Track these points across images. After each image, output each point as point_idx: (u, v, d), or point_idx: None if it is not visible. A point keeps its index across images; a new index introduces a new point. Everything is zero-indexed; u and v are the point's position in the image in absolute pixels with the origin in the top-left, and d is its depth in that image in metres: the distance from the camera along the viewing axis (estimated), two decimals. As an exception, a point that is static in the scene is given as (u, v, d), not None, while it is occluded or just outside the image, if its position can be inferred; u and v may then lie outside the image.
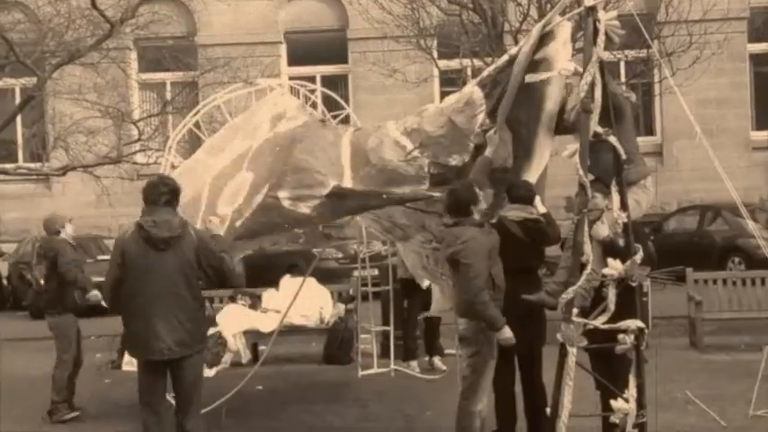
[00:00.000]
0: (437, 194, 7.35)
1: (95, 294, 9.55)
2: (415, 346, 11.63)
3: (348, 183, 7.65)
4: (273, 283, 12.52)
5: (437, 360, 11.48)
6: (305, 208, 7.81)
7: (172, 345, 6.46)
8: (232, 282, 7.01)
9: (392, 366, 11.32)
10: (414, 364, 11.41)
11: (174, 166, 9.67)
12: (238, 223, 7.98)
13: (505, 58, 7.11)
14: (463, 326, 6.88)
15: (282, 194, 7.84)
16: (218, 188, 8.28)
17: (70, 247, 9.81)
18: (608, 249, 6.49)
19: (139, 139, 18.02)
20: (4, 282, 20.66)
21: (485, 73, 7.22)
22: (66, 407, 9.61)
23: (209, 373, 10.41)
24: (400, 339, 11.75)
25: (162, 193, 6.68)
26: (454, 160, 7.26)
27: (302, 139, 8.24)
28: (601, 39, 6.34)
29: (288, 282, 12.23)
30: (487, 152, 7.04)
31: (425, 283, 10.44)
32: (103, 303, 7.72)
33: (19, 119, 18.97)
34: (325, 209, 7.86)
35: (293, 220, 8.03)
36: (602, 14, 6.35)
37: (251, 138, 8.69)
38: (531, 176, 7.24)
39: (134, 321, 6.56)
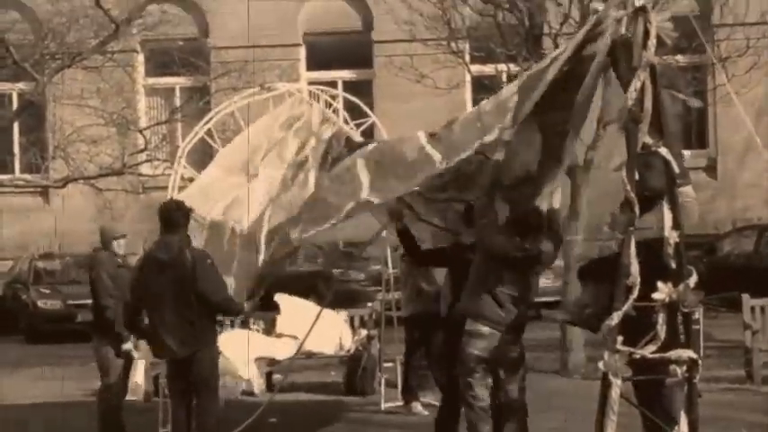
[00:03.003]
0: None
1: (129, 348, 9.39)
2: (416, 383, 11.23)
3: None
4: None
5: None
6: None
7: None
8: (225, 310, 8.31)
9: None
10: (416, 404, 11.08)
11: (183, 178, 9.73)
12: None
13: (546, 61, 7.09)
14: None
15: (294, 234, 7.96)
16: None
17: (113, 267, 9.48)
18: (656, 271, 6.45)
19: (145, 149, 18.11)
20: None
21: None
22: None
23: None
24: (426, 369, 11.68)
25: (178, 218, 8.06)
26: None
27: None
28: (652, 41, 6.31)
29: (289, 301, 12.14)
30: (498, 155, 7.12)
31: None
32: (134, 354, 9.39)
33: (16, 126, 19.17)
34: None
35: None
36: (653, 15, 6.33)
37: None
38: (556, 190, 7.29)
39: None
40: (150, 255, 8.21)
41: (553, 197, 7.50)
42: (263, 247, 8.77)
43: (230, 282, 8.72)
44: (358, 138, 9.14)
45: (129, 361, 9.70)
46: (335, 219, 7.82)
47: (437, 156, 7.52)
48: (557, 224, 7.56)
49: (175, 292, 7.90)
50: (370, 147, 8.11)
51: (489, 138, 7.19)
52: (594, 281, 6.88)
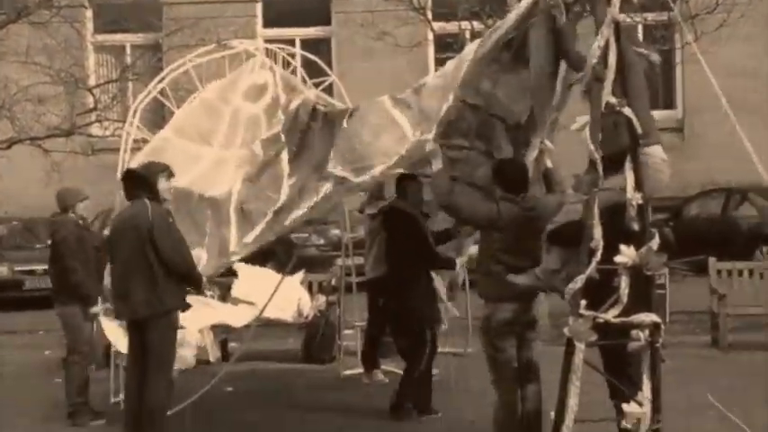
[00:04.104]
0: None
1: (97, 311, 9.45)
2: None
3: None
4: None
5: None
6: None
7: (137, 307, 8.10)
8: (184, 273, 8.21)
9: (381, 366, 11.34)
10: (377, 372, 11.16)
11: (135, 140, 9.68)
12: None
13: (512, 17, 7.17)
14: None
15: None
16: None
17: (77, 230, 9.63)
18: (620, 234, 6.52)
19: (95, 109, 17.94)
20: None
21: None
22: (90, 410, 9.63)
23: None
24: (388, 335, 11.75)
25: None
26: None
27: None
28: (616, -2, 6.35)
29: (248, 270, 12.16)
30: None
31: None
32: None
33: (-43, 85, 18.88)
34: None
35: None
36: (617, -29, 6.36)
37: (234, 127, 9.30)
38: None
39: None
40: (119, 213, 8.42)
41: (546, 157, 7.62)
42: (233, 218, 8.81)
43: (201, 254, 8.71)
44: (324, 103, 9.15)
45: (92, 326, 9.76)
46: (313, 201, 8.02)
47: (406, 125, 7.65)
48: (554, 183, 7.65)
49: (136, 249, 8.06)
50: (345, 125, 8.20)
51: (450, 99, 7.31)
52: (562, 245, 6.96)
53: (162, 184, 8.29)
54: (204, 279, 8.64)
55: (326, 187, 8.15)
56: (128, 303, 8.21)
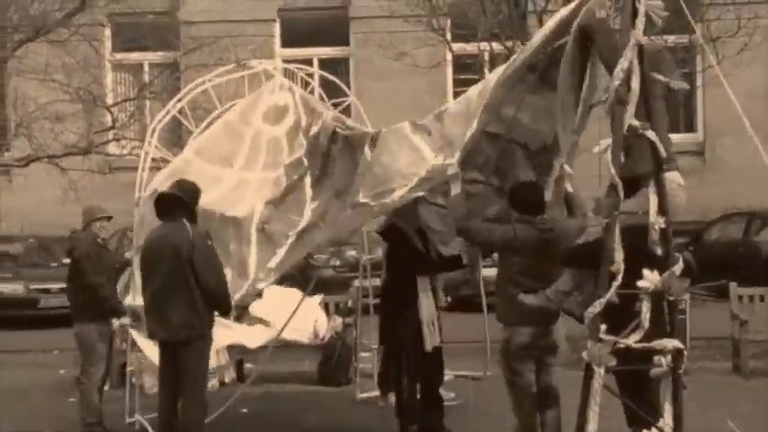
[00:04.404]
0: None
1: (126, 322, 9.41)
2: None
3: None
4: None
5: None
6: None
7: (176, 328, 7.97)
8: (219, 298, 8.12)
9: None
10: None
11: (154, 159, 9.71)
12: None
13: (537, 39, 7.19)
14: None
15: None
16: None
17: (97, 248, 9.66)
18: (644, 258, 6.50)
19: (113, 127, 18.05)
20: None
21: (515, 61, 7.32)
22: (104, 430, 9.61)
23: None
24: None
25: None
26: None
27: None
28: (640, 20, 6.35)
29: (273, 290, 12.20)
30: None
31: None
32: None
33: (-24, 102, 19.02)
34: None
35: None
36: (642, -7, 6.36)
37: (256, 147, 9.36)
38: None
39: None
40: (153, 231, 8.23)
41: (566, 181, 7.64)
42: (253, 237, 8.83)
43: (228, 273, 8.70)
44: (346, 126, 9.18)
45: (110, 345, 9.77)
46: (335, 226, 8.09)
47: (426, 149, 7.67)
48: (576, 207, 7.65)
49: (175, 270, 7.92)
50: (367, 154, 8.24)
51: (474, 125, 7.34)
52: (578, 266, 6.95)
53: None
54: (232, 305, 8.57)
55: (347, 213, 8.17)
56: (164, 325, 8.05)
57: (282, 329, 10.85)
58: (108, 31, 22.11)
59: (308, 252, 8.86)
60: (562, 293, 6.95)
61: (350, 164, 8.43)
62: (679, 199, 6.69)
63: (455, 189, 7.53)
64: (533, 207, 7.49)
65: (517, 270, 7.45)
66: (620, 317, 6.43)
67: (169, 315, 7.99)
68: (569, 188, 7.66)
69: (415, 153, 7.77)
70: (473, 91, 7.68)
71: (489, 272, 10.82)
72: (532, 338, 7.46)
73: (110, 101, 19.44)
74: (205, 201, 8.61)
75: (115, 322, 9.48)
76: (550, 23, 7.16)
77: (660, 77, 6.73)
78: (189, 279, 7.90)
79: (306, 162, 8.93)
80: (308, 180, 8.84)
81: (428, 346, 9.32)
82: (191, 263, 7.88)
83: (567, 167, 7.54)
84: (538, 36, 7.25)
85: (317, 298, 12.42)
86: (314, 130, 9.01)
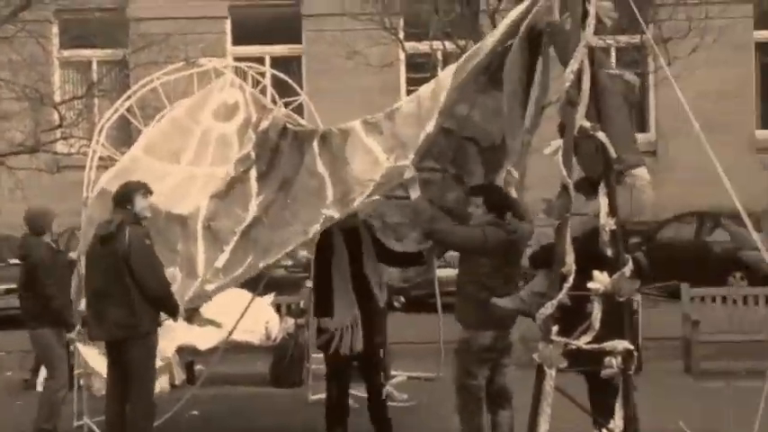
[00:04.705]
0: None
1: (74, 336, 9.26)
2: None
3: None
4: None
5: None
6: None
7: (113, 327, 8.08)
8: (161, 298, 8.16)
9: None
10: None
11: (101, 158, 9.64)
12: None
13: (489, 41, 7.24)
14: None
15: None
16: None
17: (51, 253, 9.53)
18: (594, 260, 6.55)
19: (60, 126, 17.88)
20: None
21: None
22: None
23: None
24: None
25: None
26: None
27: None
28: (590, 22, 6.40)
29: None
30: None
31: None
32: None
33: None
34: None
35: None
36: (593, -6, 6.40)
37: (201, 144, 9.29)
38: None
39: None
40: (94, 234, 8.34)
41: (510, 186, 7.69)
42: (200, 234, 8.75)
43: (176, 273, 8.61)
44: (296, 124, 9.14)
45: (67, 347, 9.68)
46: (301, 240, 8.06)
47: (378, 149, 7.69)
48: (522, 211, 7.71)
49: (112, 270, 8.05)
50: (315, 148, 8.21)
51: (430, 127, 7.38)
52: (546, 267, 6.97)
53: (140, 203, 8.28)
54: (181, 308, 8.51)
55: (315, 228, 8.11)
56: (102, 325, 8.17)
57: (233, 330, 10.82)
58: (55, 28, 21.90)
59: (270, 264, 8.69)
60: (537, 295, 6.93)
61: (297, 156, 8.42)
62: (646, 195, 6.73)
63: (414, 193, 7.56)
64: (503, 208, 7.56)
65: (485, 272, 7.51)
66: (572, 318, 6.49)
67: (106, 315, 8.12)
68: (513, 193, 7.68)
69: (368, 155, 7.77)
70: (425, 90, 7.69)
71: (443, 272, 10.94)
72: (493, 341, 7.52)
73: (57, 99, 19.28)
74: (151, 198, 8.56)
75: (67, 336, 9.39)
76: (501, 27, 7.21)
77: (614, 71, 6.79)
78: (124, 278, 8.00)
79: (253, 155, 8.88)
80: (253, 173, 8.78)
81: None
82: (126, 262, 7.98)
83: (513, 171, 7.57)
84: (490, 38, 7.30)
85: (268, 298, 12.39)
86: (264, 125, 8.98)
